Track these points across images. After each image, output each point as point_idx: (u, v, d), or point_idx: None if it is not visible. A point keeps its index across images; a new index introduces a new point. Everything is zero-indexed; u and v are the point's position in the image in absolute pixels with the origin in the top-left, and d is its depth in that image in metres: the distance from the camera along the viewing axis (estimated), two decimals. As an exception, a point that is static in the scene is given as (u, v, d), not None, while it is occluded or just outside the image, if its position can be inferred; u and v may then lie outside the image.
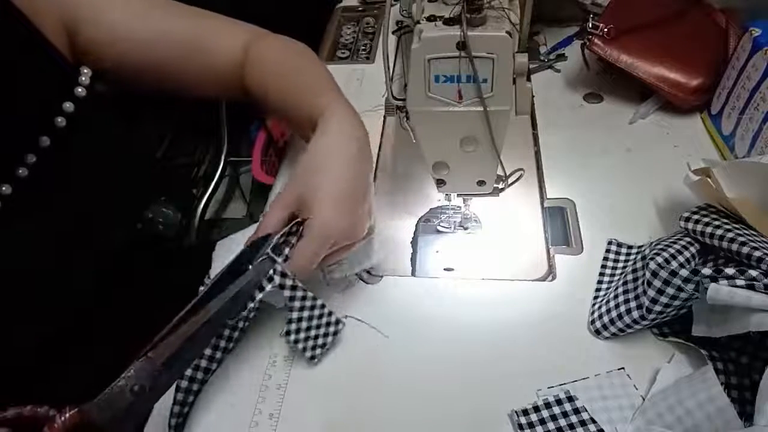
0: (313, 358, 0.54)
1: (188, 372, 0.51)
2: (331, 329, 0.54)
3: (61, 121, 0.51)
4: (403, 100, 0.53)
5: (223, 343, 0.54)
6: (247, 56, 0.62)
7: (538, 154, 0.74)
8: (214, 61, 0.62)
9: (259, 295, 0.50)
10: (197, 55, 0.61)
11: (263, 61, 0.62)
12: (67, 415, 0.37)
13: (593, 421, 0.47)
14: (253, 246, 0.50)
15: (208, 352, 0.53)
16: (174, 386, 0.50)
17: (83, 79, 0.53)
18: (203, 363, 0.53)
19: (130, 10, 0.58)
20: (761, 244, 0.48)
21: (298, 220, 0.51)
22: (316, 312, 0.53)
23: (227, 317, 0.47)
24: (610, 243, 0.61)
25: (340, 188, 0.51)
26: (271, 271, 0.50)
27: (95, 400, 0.40)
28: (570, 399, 0.49)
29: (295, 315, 0.51)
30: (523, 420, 0.48)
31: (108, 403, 0.40)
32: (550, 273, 0.61)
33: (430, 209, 0.71)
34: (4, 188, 0.48)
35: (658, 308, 0.49)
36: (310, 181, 0.51)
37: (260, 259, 0.49)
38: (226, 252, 0.57)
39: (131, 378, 0.41)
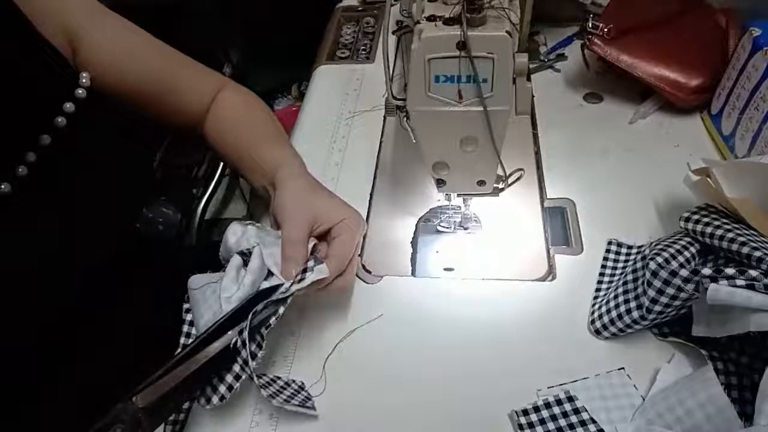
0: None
1: None
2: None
3: (61, 120, 0.51)
4: (403, 100, 0.53)
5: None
6: (210, 107, 0.66)
7: (538, 154, 0.74)
8: (184, 105, 0.65)
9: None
10: (169, 96, 0.63)
11: (223, 117, 0.66)
12: None
13: (593, 421, 0.47)
14: (258, 297, 0.50)
15: None
16: None
17: (84, 81, 0.54)
18: None
19: (120, 42, 0.60)
20: (761, 244, 0.48)
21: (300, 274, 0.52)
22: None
23: (219, 367, 0.48)
24: (610, 243, 0.61)
25: (335, 197, 0.59)
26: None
27: None
28: (570, 399, 0.49)
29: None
30: (523, 420, 0.48)
31: None
32: (550, 273, 0.61)
33: (430, 209, 0.71)
34: (3, 187, 0.48)
35: (658, 308, 0.49)
36: (313, 203, 0.56)
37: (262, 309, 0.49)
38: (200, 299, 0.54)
39: (114, 421, 0.41)
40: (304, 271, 0.51)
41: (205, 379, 0.47)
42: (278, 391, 0.50)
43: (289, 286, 0.50)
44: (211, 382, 0.48)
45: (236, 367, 0.49)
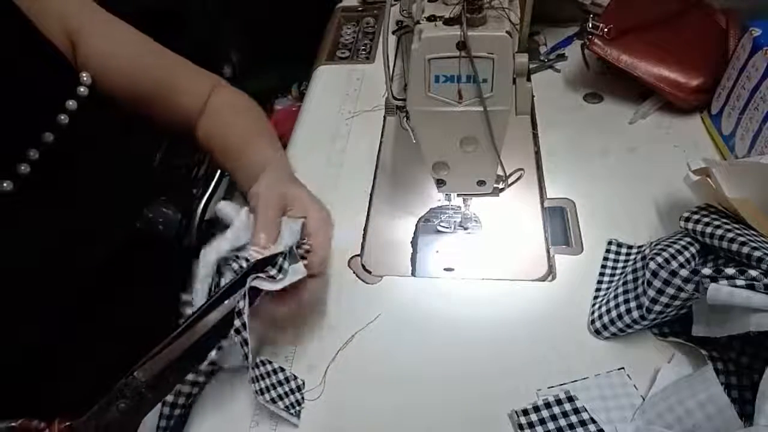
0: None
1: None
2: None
3: (63, 118, 0.51)
4: (403, 100, 0.53)
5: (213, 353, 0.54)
6: (204, 108, 0.66)
7: (538, 154, 0.74)
8: (181, 107, 0.65)
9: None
10: (167, 100, 0.63)
11: (212, 120, 0.66)
12: (56, 429, 0.38)
13: (593, 421, 0.47)
14: (257, 266, 0.49)
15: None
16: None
17: (85, 79, 0.54)
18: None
19: (118, 43, 0.60)
20: (761, 244, 0.48)
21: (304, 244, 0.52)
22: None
23: (216, 340, 0.47)
24: (610, 243, 0.61)
25: (311, 194, 0.59)
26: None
27: (83, 417, 0.40)
28: (570, 399, 0.49)
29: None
30: (523, 420, 0.48)
31: (95, 419, 0.40)
32: (550, 273, 0.61)
33: (430, 209, 0.71)
34: (5, 185, 0.48)
35: (658, 308, 0.49)
36: (285, 190, 0.56)
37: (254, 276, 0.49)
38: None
39: (117, 396, 0.41)
40: (279, 268, 0.50)
41: (205, 349, 0.47)
42: (272, 386, 0.50)
43: (263, 284, 0.49)
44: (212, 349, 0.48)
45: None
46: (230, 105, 0.68)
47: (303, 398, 0.52)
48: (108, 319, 0.60)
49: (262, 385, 0.50)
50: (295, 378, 0.53)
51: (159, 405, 0.50)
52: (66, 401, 0.51)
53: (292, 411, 0.50)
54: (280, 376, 0.52)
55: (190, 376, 0.52)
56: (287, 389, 0.51)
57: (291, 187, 0.58)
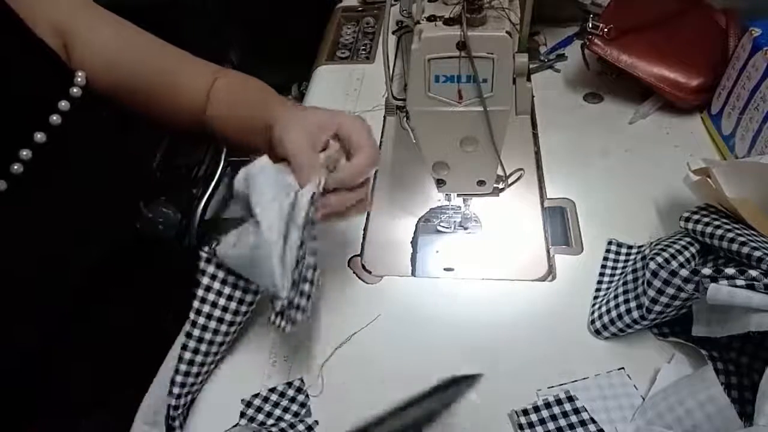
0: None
1: (191, 357, 0.51)
2: None
3: (56, 119, 0.51)
4: (403, 100, 0.53)
5: (219, 338, 0.54)
6: (209, 96, 0.64)
7: (538, 154, 0.74)
8: (183, 103, 0.63)
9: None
10: (167, 96, 0.62)
11: (223, 97, 0.64)
12: None
13: (593, 421, 0.47)
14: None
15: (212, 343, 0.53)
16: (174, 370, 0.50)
17: (79, 79, 0.54)
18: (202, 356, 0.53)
19: (114, 35, 0.59)
20: (761, 244, 0.48)
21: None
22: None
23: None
24: (610, 243, 0.61)
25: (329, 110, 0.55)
26: None
27: None
28: (570, 399, 0.49)
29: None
30: (523, 420, 0.48)
31: None
32: (550, 273, 0.61)
33: (430, 209, 0.71)
34: None
35: (658, 308, 0.49)
36: (307, 119, 0.53)
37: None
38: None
39: None
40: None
41: None
42: (268, 413, 0.51)
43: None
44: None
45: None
46: (240, 81, 0.66)
47: (308, 394, 0.52)
48: (105, 320, 0.60)
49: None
50: (290, 385, 0.53)
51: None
52: (62, 402, 0.51)
53: (300, 427, 0.51)
54: (273, 397, 0.52)
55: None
56: (286, 403, 0.52)
57: (309, 112, 0.54)
